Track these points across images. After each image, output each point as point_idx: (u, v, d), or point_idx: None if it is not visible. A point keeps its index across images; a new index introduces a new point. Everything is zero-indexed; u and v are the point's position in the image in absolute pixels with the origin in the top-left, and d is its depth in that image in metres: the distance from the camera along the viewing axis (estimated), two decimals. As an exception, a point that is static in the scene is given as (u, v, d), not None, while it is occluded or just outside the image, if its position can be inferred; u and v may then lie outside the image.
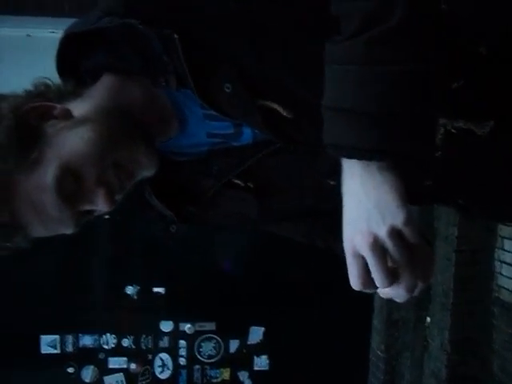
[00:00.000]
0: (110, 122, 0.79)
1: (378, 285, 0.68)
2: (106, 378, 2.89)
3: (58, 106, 0.80)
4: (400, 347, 2.85)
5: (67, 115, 0.80)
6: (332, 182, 0.83)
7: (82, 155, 0.78)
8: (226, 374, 2.95)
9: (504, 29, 0.73)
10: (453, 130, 0.75)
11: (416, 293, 0.73)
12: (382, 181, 0.66)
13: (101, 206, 0.80)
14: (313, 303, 2.89)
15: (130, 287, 2.88)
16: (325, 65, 0.68)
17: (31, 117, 0.79)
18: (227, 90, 0.75)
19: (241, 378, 2.96)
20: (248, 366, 2.95)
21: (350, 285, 0.89)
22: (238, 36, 0.73)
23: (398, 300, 0.75)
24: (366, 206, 0.67)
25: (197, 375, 2.94)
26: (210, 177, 0.87)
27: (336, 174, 0.82)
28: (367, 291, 0.70)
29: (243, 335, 2.92)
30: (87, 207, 0.81)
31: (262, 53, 0.74)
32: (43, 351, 2.84)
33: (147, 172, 0.82)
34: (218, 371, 2.94)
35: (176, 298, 2.89)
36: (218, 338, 2.92)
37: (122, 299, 2.87)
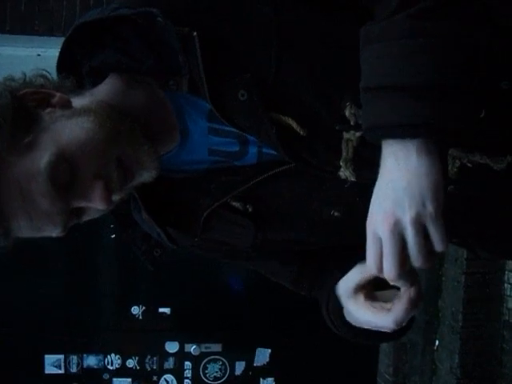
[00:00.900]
0: (112, 116, 0.74)
1: (385, 272, 0.65)
2: (111, 399, 2.86)
3: (58, 94, 0.75)
4: (408, 370, 2.81)
5: (66, 104, 0.74)
6: (336, 213, 0.80)
7: (81, 144, 0.71)
8: (231, 396, 2.92)
9: None
10: (468, 164, 0.72)
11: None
12: (419, 164, 0.63)
13: (97, 202, 0.72)
14: (320, 325, 2.86)
15: (136, 307, 2.86)
16: (361, 49, 0.66)
17: (28, 101, 0.73)
18: (241, 98, 0.71)
19: (246, 401, 2.93)
20: (254, 388, 2.92)
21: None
22: (262, 46, 0.70)
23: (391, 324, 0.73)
24: (396, 186, 0.63)
25: (202, 397, 2.91)
26: (207, 196, 0.81)
27: (342, 204, 0.80)
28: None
29: (249, 357, 2.89)
30: (81, 203, 0.73)
31: (284, 66, 0.70)
32: (47, 371, 2.82)
33: (148, 175, 0.76)
34: (223, 393, 2.91)
35: (182, 319, 2.87)
36: (224, 360, 2.89)
37: (128, 319, 2.85)
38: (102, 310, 2.91)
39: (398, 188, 0.63)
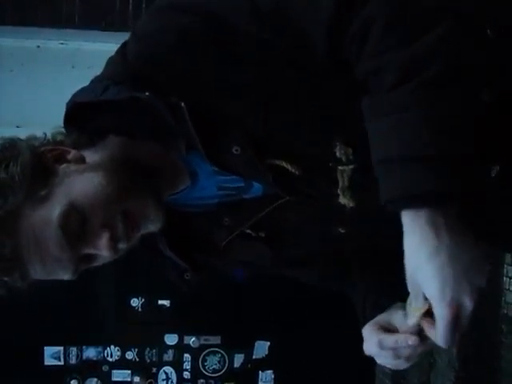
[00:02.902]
0: (121, 172, 0.81)
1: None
2: (110, 391, 2.87)
3: (73, 151, 0.83)
4: (407, 364, 2.82)
5: (81, 160, 0.82)
6: (342, 230, 0.85)
7: (89, 197, 0.79)
8: (230, 388, 2.93)
9: (507, 76, 0.74)
10: None
11: None
12: (460, 239, 0.66)
13: (103, 250, 0.81)
14: (320, 318, 2.87)
15: (135, 299, 2.87)
16: (367, 121, 0.68)
17: (47, 158, 0.82)
18: (236, 153, 0.76)
19: (245, 393, 2.94)
20: (253, 380, 2.92)
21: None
22: (248, 106, 0.74)
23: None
24: (463, 264, 0.66)
25: (201, 389, 2.92)
26: (221, 228, 0.88)
27: (345, 223, 0.85)
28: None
29: (248, 349, 2.90)
30: (89, 250, 0.81)
31: (270, 119, 0.75)
32: (47, 363, 2.83)
33: (153, 226, 0.83)
34: (222, 386, 2.93)
35: (181, 311, 2.88)
36: (223, 352, 2.90)
37: (127, 311, 2.86)
38: (101, 302, 2.91)
39: (466, 264, 0.66)
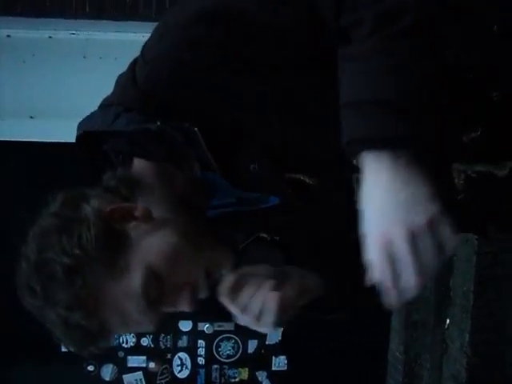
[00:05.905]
0: (188, 223, 0.81)
1: (407, 278, 0.66)
2: (125, 377, 2.91)
3: (139, 206, 0.81)
4: (419, 349, 2.83)
5: (148, 216, 0.80)
6: (355, 236, 0.86)
7: (169, 261, 0.79)
8: (244, 373, 2.95)
9: None
10: (473, 175, 0.77)
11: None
12: (412, 176, 0.65)
13: (184, 308, 0.83)
14: (331, 304, 2.88)
15: (149, 287, 2.89)
16: (340, 66, 0.69)
17: (114, 219, 0.79)
18: (253, 170, 0.76)
19: (259, 378, 2.96)
20: (266, 366, 2.95)
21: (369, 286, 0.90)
22: (262, 114, 0.74)
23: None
24: (399, 198, 0.65)
25: (215, 375, 2.94)
26: (239, 232, 0.91)
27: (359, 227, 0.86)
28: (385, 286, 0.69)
29: (261, 335, 2.92)
30: (170, 309, 0.83)
31: (287, 130, 0.75)
32: (64, 349, 2.87)
33: (226, 270, 0.86)
34: (236, 371, 2.95)
35: (195, 298, 2.90)
36: (237, 338, 2.92)
37: (141, 298, 2.89)
38: (116, 290, 2.94)
39: (403, 199, 0.65)
